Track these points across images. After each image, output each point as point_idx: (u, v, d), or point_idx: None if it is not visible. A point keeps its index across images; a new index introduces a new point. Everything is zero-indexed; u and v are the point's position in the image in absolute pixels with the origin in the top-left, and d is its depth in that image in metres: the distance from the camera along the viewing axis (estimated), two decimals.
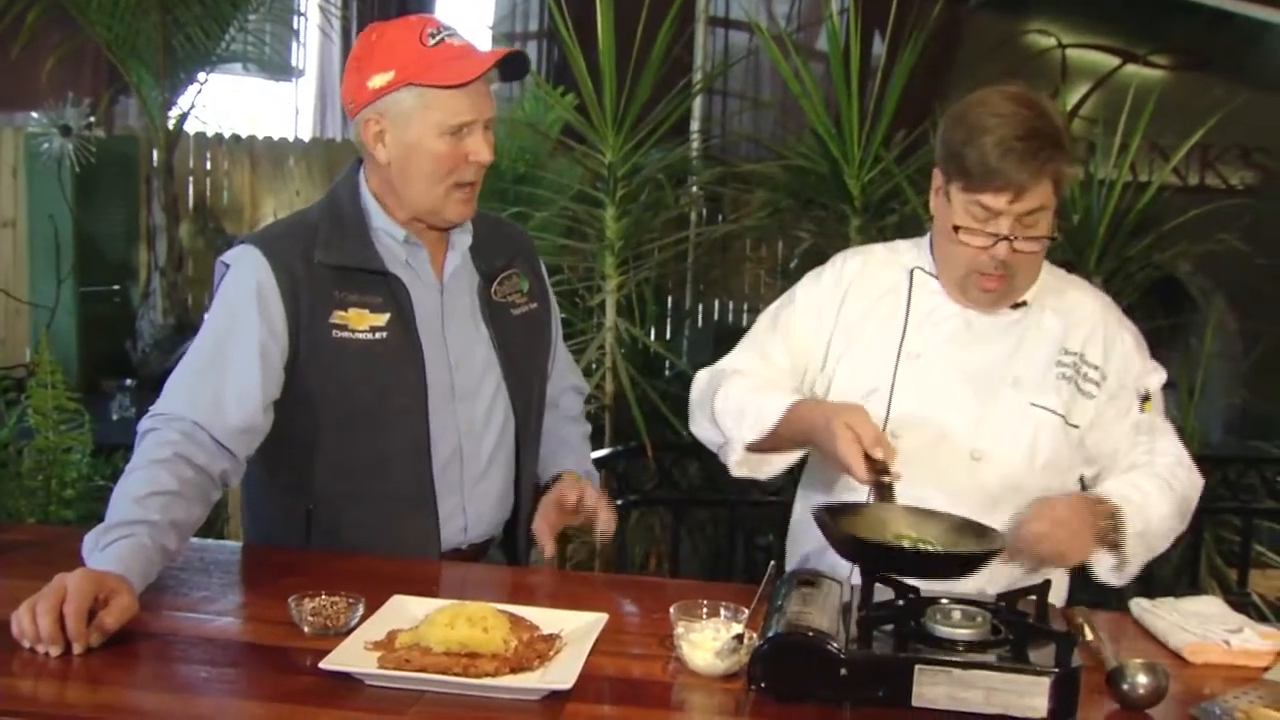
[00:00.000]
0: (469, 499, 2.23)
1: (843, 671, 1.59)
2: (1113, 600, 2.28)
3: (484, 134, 2.12)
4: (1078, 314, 2.23)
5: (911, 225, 4.13)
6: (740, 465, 2.21)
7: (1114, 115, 4.43)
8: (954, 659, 1.59)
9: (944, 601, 1.70)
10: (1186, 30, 5.70)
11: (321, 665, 1.61)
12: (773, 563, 1.86)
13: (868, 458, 1.90)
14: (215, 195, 7.38)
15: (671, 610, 1.76)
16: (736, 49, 6.53)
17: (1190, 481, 2.17)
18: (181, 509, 1.91)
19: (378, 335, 2.12)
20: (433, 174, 2.12)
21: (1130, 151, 4.27)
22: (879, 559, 1.77)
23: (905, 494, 1.93)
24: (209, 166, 7.34)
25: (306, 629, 1.76)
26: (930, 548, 1.83)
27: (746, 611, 1.74)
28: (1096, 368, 2.19)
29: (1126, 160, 4.28)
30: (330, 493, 2.16)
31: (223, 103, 6.22)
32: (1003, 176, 2.01)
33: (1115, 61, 5.89)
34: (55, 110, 5.15)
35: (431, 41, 2.08)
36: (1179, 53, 5.79)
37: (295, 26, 6.78)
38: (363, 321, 2.12)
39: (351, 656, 1.65)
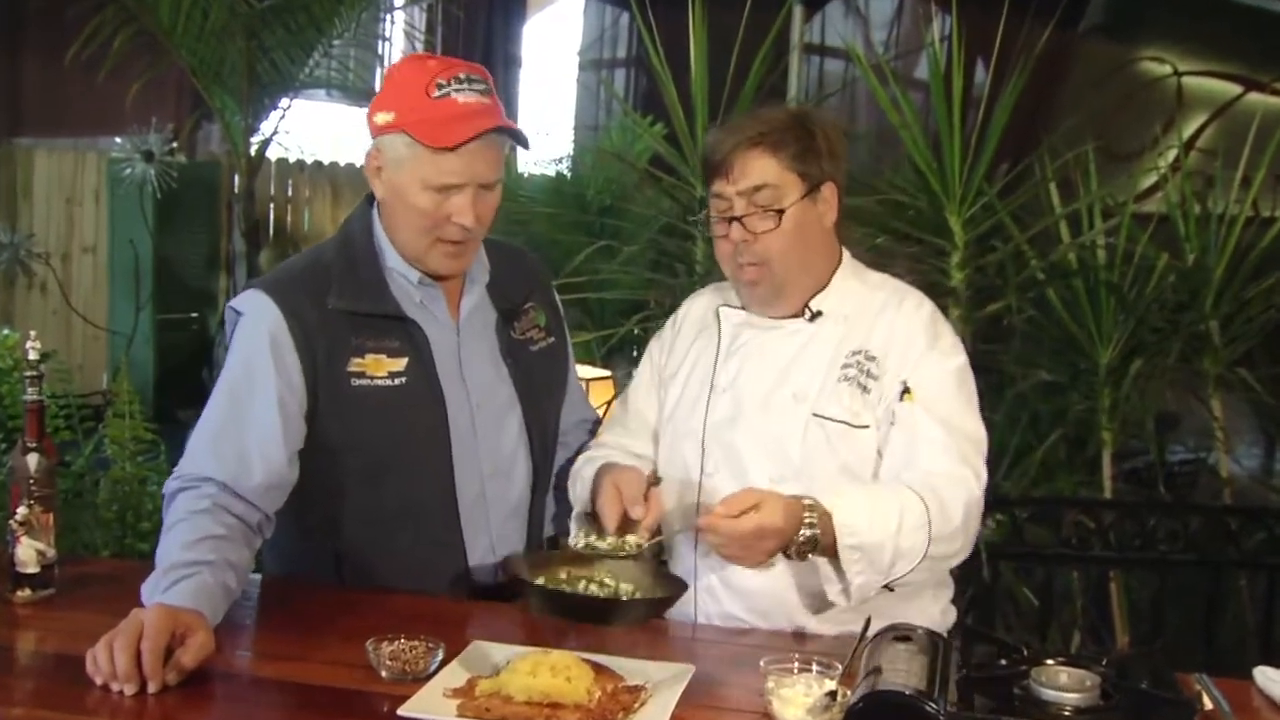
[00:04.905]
0: (499, 539, 2.21)
1: None
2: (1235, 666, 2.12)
3: (475, 195, 2.06)
4: (865, 311, 2.18)
5: (1015, 263, 3.95)
6: (575, 537, 2.23)
7: (1234, 146, 4.23)
8: None
9: (1051, 663, 1.63)
10: None
11: (400, 712, 1.60)
12: (869, 617, 1.84)
13: (626, 515, 2.07)
14: (296, 221, 7.39)
15: (762, 664, 1.72)
16: (831, 77, 6.40)
17: (951, 498, 2.00)
18: (233, 551, 1.91)
19: (397, 381, 2.10)
20: (415, 226, 2.09)
21: (1254, 186, 4.05)
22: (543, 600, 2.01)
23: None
24: (290, 193, 7.36)
25: (384, 673, 1.74)
26: (599, 592, 2.05)
27: (840, 667, 1.70)
28: (875, 359, 2.13)
29: (1250, 196, 4.05)
30: (359, 538, 2.15)
31: (305, 128, 6.20)
32: (715, 155, 2.13)
33: (1236, 90, 5.67)
34: (139, 135, 5.15)
35: (437, 93, 2.03)
36: None
37: (379, 52, 6.77)
38: (381, 368, 2.09)
39: (431, 703, 1.63)
